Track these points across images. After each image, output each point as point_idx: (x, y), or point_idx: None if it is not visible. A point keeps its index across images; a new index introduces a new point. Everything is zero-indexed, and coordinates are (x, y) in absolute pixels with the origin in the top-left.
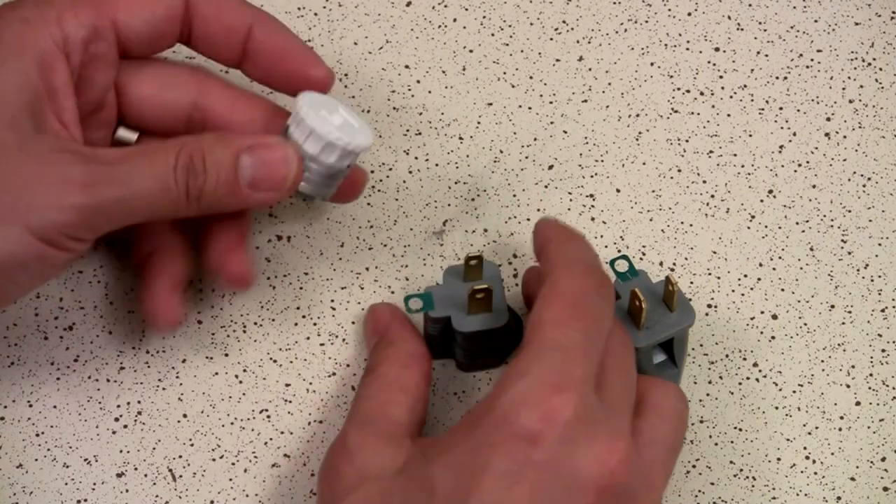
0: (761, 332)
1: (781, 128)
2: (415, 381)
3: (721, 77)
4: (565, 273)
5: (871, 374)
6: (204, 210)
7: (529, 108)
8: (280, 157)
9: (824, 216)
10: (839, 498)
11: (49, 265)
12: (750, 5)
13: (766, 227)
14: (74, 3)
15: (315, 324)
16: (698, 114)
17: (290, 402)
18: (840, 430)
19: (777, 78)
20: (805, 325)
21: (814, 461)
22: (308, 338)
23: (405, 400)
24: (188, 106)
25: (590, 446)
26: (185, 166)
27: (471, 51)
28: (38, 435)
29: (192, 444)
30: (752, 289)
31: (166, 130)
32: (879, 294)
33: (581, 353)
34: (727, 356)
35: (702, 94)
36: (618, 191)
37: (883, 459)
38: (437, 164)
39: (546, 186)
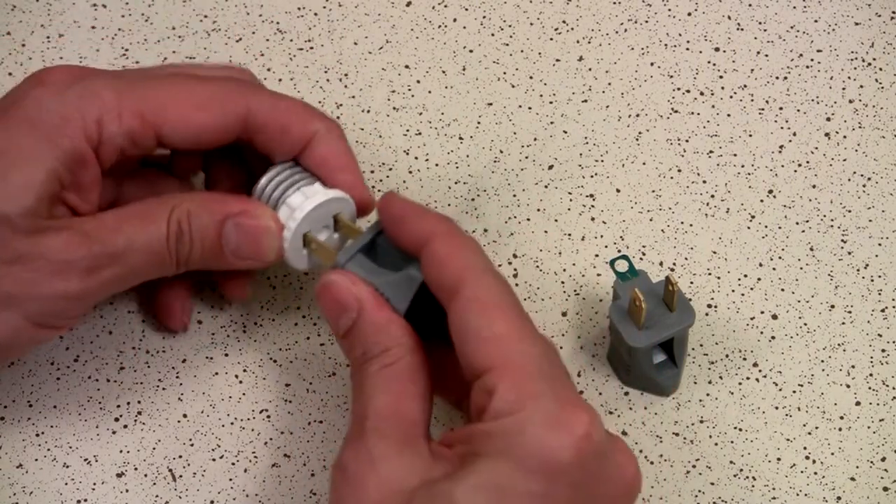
0: (761, 332)
1: (781, 128)
2: (423, 369)
3: (721, 77)
4: (484, 284)
5: (871, 374)
6: (193, 269)
7: (529, 108)
8: (262, 228)
9: (824, 216)
10: (839, 498)
11: (38, 343)
12: (750, 5)
13: (766, 227)
14: (121, 102)
15: (315, 324)
16: (698, 114)
17: (290, 402)
18: (840, 430)
19: (777, 78)
20: (805, 325)
21: (814, 461)
22: (308, 338)
23: (418, 391)
24: (231, 124)
25: (616, 458)
26: (175, 234)
27: (471, 51)
28: (38, 435)
29: (192, 444)
30: (752, 289)
31: (210, 146)
32: (879, 294)
33: (558, 358)
34: (727, 356)
35: (702, 94)
36: (618, 191)
37: (883, 459)
38: (437, 164)
39: (546, 186)
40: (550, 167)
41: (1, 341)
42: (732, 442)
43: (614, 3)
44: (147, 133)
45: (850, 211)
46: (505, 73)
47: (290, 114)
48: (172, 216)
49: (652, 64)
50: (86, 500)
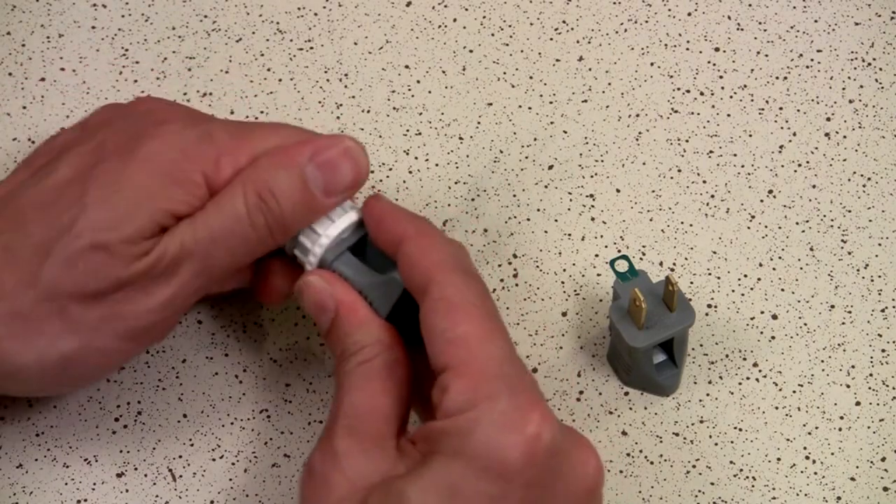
0: (761, 332)
1: (781, 128)
2: (401, 366)
3: (721, 77)
4: (451, 284)
5: (871, 374)
6: (291, 234)
7: (529, 108)
8: (341, 152)
9: (824, 216)
10: (839, 498)
11: (133, 355)
12: (750, 5)
13: (766, 227)
14: (237, 148)
15: (315, 324)
16: (698, 114)
17: (290, 402)
18: (840, 430)
19: (777, 78)
20: (805, 325)
21: (814, 461)
22: (308, 338)
23: (393, 388)
24: None
25: (572, 457)
26: (256, 206)
27: (471, 51)
28: (38, 435)
29: (192, 444)
30: (752, 289)
31: None
32: (879, 294)
33: (517, 358)
34: (727, 356)
35: (702, 94)
36: (618, 191)
37: (883, 459)
38: (437, 164)
39: (546, 186)
40: (550, 167)
41: (99, 365)
42: (732, 442)
43: (614, 3)
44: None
45: (850, 211)
46: (505, 73)
47: None
48: (247, 190)
49: (652, 64)
50: (86, 500)
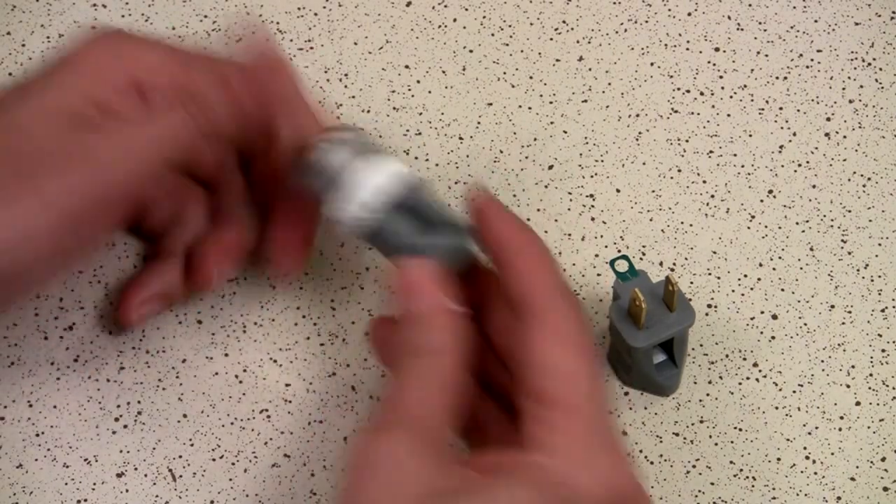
0: (761, 332)
1: (781, 128)
2: (463, 387)
3: (721, 77)
4: (562, 312)
5: (871, 374)
6: (223, 144)
7: (529, 108)
8: (267, 58)
9: (824, 216)
10: (839, 498)
11: (65, 255)
12: (750, 5)
13: (766, 227)
14: (169, 53)
15: (315, 324)
16: (698, 114)
17: (290, 402)
18: (840, 430)
19: (777, 78)
20: (805, 325)
21: (814, 461)
22: (308, 338)
23: (451, 404)
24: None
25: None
26: (184, 104)
27: (471, 51)
28: (38, 435)
29: (192, 444)
30: (752, 289)
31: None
32: (879, 294)
33: (607, 401)
34: (727, 356)
35: (702, 94)
36: (618, 191)
37: (883, 459)
38: (437, 164)
39: (546, 186)
40: (550, 167)
41: (21, 242)
42: (732, 442)
43: (614, 3)
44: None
45: (850, 211)
46: (505, 73)
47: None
48: (177, 94)
49: (652, 64)
50: (86, 500)
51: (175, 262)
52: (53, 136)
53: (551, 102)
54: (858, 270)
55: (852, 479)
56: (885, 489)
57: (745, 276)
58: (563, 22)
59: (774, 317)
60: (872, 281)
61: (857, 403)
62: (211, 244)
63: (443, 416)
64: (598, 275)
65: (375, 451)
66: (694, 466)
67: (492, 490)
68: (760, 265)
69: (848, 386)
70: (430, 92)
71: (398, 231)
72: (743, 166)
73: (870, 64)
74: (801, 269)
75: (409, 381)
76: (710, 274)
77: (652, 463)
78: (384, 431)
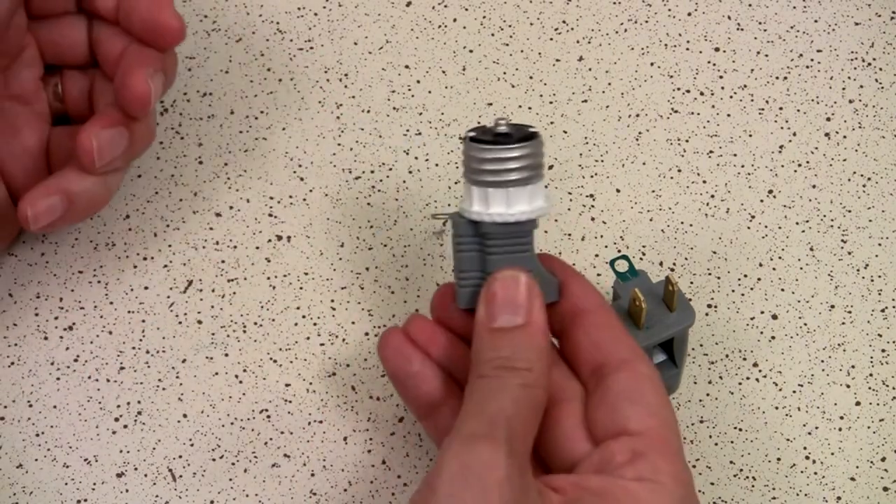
0: (761, 332)
1: (781, 128)
2: (544, 408)
3: (721, 77)
4: (648, 368)
5: (871, 374)
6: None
7: (529, 108)
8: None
9: (824, 216)
10: (839, 498)
11: None
12: (750, 5)
13: (766, 227)
14: None
15: (315, 324)
16: (698, 114)
17: (290, 402)
18: (840, 430)
19: (777, 78)
20: (805, 325)
21: (814, 461)
22: (308, 338)
23: (537, 425)
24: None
25: None
26: None
27: (471, 51)
28: (38, 435)
29: (192, 444)
30: (752, 289)
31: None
32: (879, 294)
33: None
34: (727, 356)
35: (702, 94)
36: (618, 191)
37: (883, 459)
38: (437, 164)
39: (546, 186)
40: (550, 167)
41: None
42: (732, 442)
43: (614, 3)
44: None
45: (850, 211)
46: (505, 73)
47: None
48: None
49: (652, 64)
50: (86, 500)
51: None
52: None
53: (551, 102)
54: (858, 270)
55: (852, 479)
56: (885, 489)
57: (745, 276)
58: (563, 22)
59: (774, 317)
60: (872, 281)
61: (857, 403)
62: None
63: (529, 435)
64: (598, 275)
65: (474, 461)
66: (694, 466)
67: None
68: (760, 265)
69: (848, 386)
70: (430, 92)
71: (527, 243)
72: (743, 166)
73: (870, 64)
74: (801, 269)
75: (505, 394)
76: (710, 274)
77: None
78: (485, 441)
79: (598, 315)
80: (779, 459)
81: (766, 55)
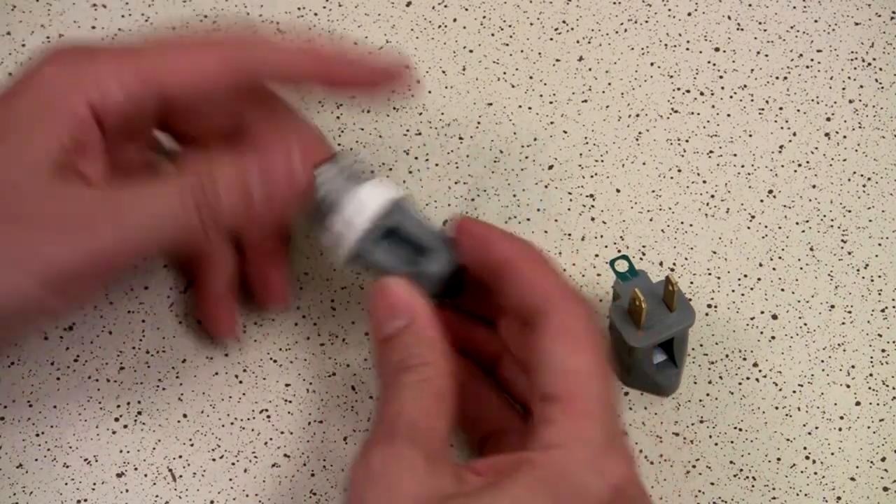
0: (761, 332)
1: (781, 128)
2: (453, 394)
3: (721, 77)
4: (572, 313)
5: (871, 374)
6: (223, 233)
7: (529, 108)
8: (285, 169)
9: (824, 216)
10: (839, 498)
11: (49, 313)
12: (750, 5)
13: (766, 227)
14: (119, 63)
15: (315, 324)
16: (698, 114)
17: (290, 402)
18: (840, 430)
19: (777, 78)
20: (805, 325)
21: (814, 461)
22: (308, 338)
23: (447, 415)
24: (234, 69)
25: None
26: (192, 192)
27: (471, 51)
28: (38, 435)
29: (192, 444)
30: (752, 289)
31: (219, 99)
32: (879, 294)
33: (617, 402)
34: (727, 356)
35: (702, 94)
36: (618, 191)
37: (883, 459)
38: (437, 164)
39: (546, 186)
40: (550, 167)
41: (11, 303)
42: (732, 442)
43: (614, 3)
44: (148, 91)
45: (850, 211)
46: (505, 73)
47: (298, 68)
48: (189, 175)
49: (652, 64)
50: (86, 500)
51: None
52: (44, 194)
53: (551, 102)
54: (858, 270)
55: (852, 479)
56: (885, 489)
57: (745, 276)
58: (563, 22)
59: (774, 317)
60: (872, 281)
61: (857, 403)
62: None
63: (439, 423)
64: (598, 275)
65: (375, 463)
66: (694, 466)
67: (491, 492)
68: (760, 265)
69: (848, 386)
70: (430, 92)
71: (388, 257)
72: (743, 166)
73: (870, 64)
74: (801, 269)
75: (403, 394)
76: (710, 274)
77: (652, 463)
78: (383, 443)
79: (517, 268)
80: (779, 459)
81: (766, 55)
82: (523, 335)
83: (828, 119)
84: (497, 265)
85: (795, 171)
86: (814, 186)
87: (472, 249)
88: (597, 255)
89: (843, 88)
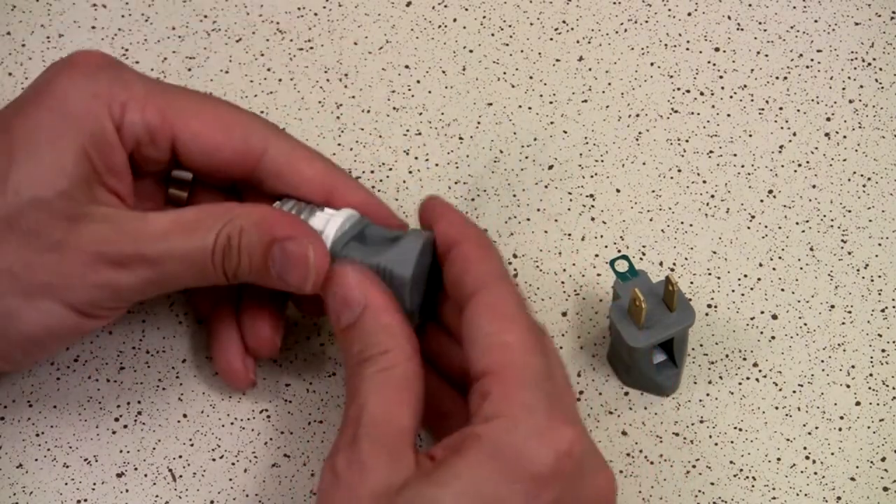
0: (761, 332)
1: (781, 128)
2: (419, 380)
3: (721, 77)
4: (503, 293)
5: (871, 374)
6: (243, 281)
7: (529, 108)
8: (306, 258)
9: (824, 216)
10: (839, 498)
11: (81, 333)
12: (750, 5)
13: (766, 227)
14: (147, 95)
15: (315, 324)
16: (698, 114)
17: (290, 402)
18: (840, 430)
19: (777, 78)
20: (805, 325)
21: (814, 461)
22: (308, 338)
23: (411, 400)
24: (248, 154)
25: (594, 477)
26: (222, 249)
27: (471, 51)
28: (38, 435)
29: (192, 444)
30: (752, 289)
31: (220, 173)
32: (879, 294)
33: (562, 374)
34: (727, 356)
35: (702, 94)
36: (618, 191)
37: (883, 459)
38: (437, 164)
39: (546, 186)
40: (550, 167)
41: (46, 330)
42: (732, 442)
43: (614, 3)
44: (165, 134)
45: (850, 211)
46: (505, 73)
47: (309, 162)
48: (223, 231)
49: (652, 64)
50: (86, 500)
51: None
52: (78, 216)
53: (551, 102)
54: (858, 270)
55: (852, 479)
56: (885, 489)
57: (745, 276)
58: (563, 22)
59: (774, 317)
60: (872, 281)
61: (857, 403)
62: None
63: (402, 413)
64: (598, 275)
65: (340, 468)
66: (694, 466)
67: (440, 471)
68: (760, 265)
69: (848, 386)
70: (430, 92)
71: (359, 254)
72: (743, 166)
73: (870, 64)
74: (801, 269)
75: (364, 387)
76: (710, 274)
77: (652, 463)
78: (345, 449)
79: (458, 249)
80: (779, 459)
81: (766, 55)
82: (458, 317)
83: (828, 119)
84: (445, 242)
85: (795, 171)
86: (814, 186)
87: (430, 223)
88: (597, 255)
89: (843, 88)
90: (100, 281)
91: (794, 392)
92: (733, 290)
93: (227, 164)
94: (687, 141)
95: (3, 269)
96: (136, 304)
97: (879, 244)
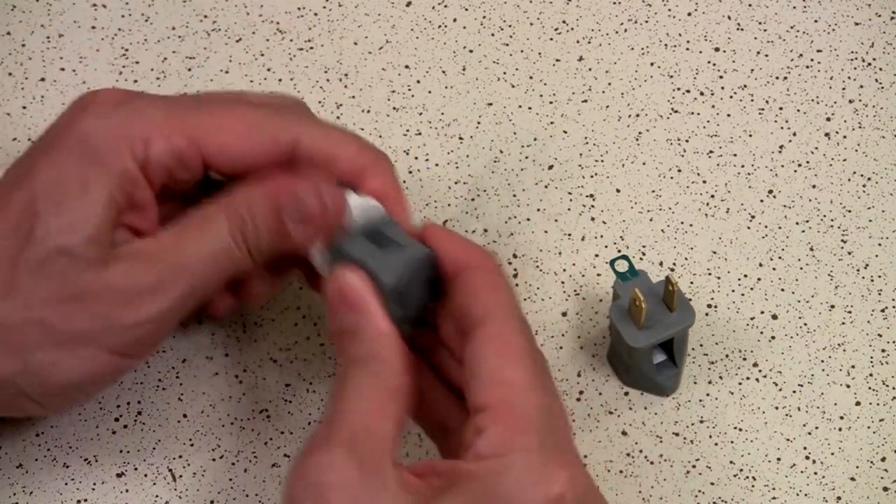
0: (761, 332)
1: (781, 128)
2: (405, 392)
3: (721, 77)
4: (509, 326)
5: (871, 374)
6: (268, 259)
7: (529, 108)
8: (313, 194)
9: (824, 216)
10: (839, 498)
11: (121, 374)
12: (750, 5)
13: (766, 227)
14: (168, 122)
15: (315, 324)
16: (698, 114)
17: (290, 402)
18: (840, 430)
19: (777, 78)
20: (805, 325)
21: (814, 461)
22: (308, 338)
23: (397, 414)
24: (278, 151)
25: None
26: (239, 229)
27: (471, 51)
28: (38, 435)
29: (192, 444)
30: (752, 289)
31: (256, 173)
32: (879, 294)
33: (559, 408)
34: (727, 356)
35: (702, 94)
36: (618, 191)
37: (883, 459)
38: (437, 164)
39: (546, 186)
40: (550, 167)
41: (88, 378)
42: (732, 442)
43: (614, 3)
44: (194, 154)
45: (850, 211)
46: (505, 73)
47: (341, 146)
48: (231, 212)
49: (652, 64)
50: (86, 500)
51: None
52: (105, 261)
53: (551, 102)
54: (858, 270)
55: (852, 479)
56: (885, 489)
57: (745, 276)
58: (563, 22)
59: (774, 317)
60: (872, 281)
61: (857, 403)
62: None
63: (384, 424)
64: (598, 275)
65: (310, 472)
66: (694, 466)
67: None
68: (760, 265)
69: (848, 386)
70: (430, 92)
71: (357, 249)
72: (743, 166)
73: (870, 64)
74: (801, 269)
75: (349, 390)
76: (710, 274)
77: (652, 463)
78: (319, 451)
79: (468, 275)
80: (779, 459)
81: (766, 55)
82: (462, 343)
83: (828, 119)
84: (454, 267)
85: (795, 171)
86: (814, 186)
87: (439, 245)
88: (597, 255)
89: (843, 88)
90: (138, 318)
91: (794, 392)
92: (733, 290)
93: (260, 165)
94: (687, 141)
95: (36, 319)
96: (175, 331)
97: (879, 244)
